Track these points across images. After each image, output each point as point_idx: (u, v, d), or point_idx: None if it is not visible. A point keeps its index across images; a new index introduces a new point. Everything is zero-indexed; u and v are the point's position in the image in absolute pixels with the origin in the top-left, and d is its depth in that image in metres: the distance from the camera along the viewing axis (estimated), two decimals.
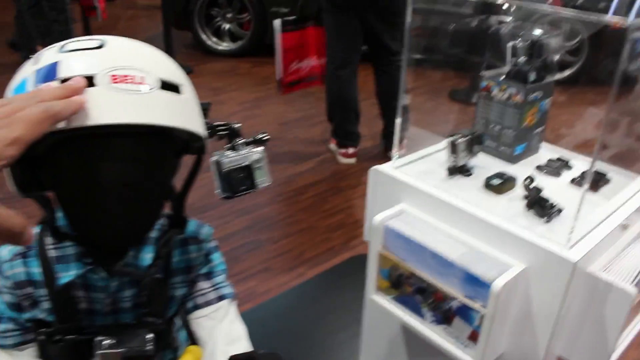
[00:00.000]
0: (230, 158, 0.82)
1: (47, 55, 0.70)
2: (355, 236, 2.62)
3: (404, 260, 1.14)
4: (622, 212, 1.14)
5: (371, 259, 1.22)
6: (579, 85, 4.19)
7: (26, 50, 4.06)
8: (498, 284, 0.98)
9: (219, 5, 5.17)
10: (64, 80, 0.66)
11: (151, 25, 5.65)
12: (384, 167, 1.27)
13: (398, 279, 1.18)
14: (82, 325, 0.85)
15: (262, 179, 0.83)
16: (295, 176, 3.18)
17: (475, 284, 1.02)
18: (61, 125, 0.61)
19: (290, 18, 3.14)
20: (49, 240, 0.83)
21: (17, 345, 0.86)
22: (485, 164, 1.30)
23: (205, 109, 0.81)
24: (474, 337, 1.06)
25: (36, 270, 0.84)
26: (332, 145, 3.45)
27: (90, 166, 0.72)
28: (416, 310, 1.17)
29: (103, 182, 0.72)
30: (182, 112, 0.73)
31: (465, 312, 1.06)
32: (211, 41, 5.26)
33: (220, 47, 5.28)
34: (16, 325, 0.86)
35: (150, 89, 0.69)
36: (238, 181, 0.82)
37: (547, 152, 1.39)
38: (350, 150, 3.35)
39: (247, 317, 1.01)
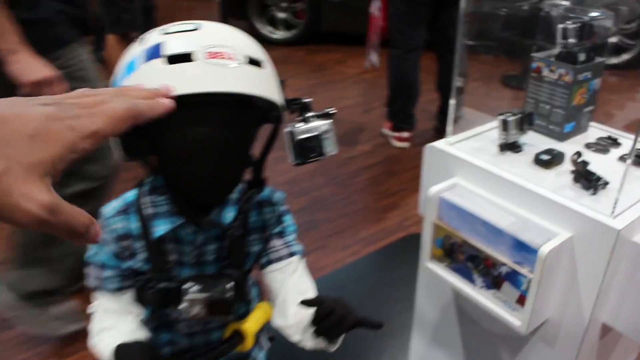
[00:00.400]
0: (302, 129, 0.91)
1: (152, 37, 0.83)
2: (409, 217, 2.69)
3: (457, 230, 1.23)
4: None
5: (426, 228, 1.30)
6: (638, 68, 4.09)
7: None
8: (544, 250, 1.05)
9: None
10: (169, 57, 0.77)
11: (206, 16, 5.81)
12: (439, 144, 1.35)
13: (451, 247, 1.26)
14: (172, 274, 0.98)
15: (330, 148, 0.93)
16: (350, 159, 3.26)
17: (523, 250, 1.09)
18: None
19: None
20: (146, 199, 0.96)
21: (118, 290, 1.00)
22: (535, 142, 1.36)
23: (282, 83, 0.92)
24: (521, 300, 1.13)
25: (134, 225, 0.97)
26: (386, 130, 3.52)
27: (186, 130, 0.83)
28: (467, 276, 1.25)
29: (196, 144, 0.84)
30: (264, 84, 0.84)
31: (513, 277, 1.14)
32: (266, 30, 5.38)
33: (274, 36, 5.39)
34: (117, 272, 0.99)
35: (239, 64, 0.80)
36: (309, 149, 0.91)
37: (596, 131, 1.44)
38: (405, 134, 3.41)
39: None
